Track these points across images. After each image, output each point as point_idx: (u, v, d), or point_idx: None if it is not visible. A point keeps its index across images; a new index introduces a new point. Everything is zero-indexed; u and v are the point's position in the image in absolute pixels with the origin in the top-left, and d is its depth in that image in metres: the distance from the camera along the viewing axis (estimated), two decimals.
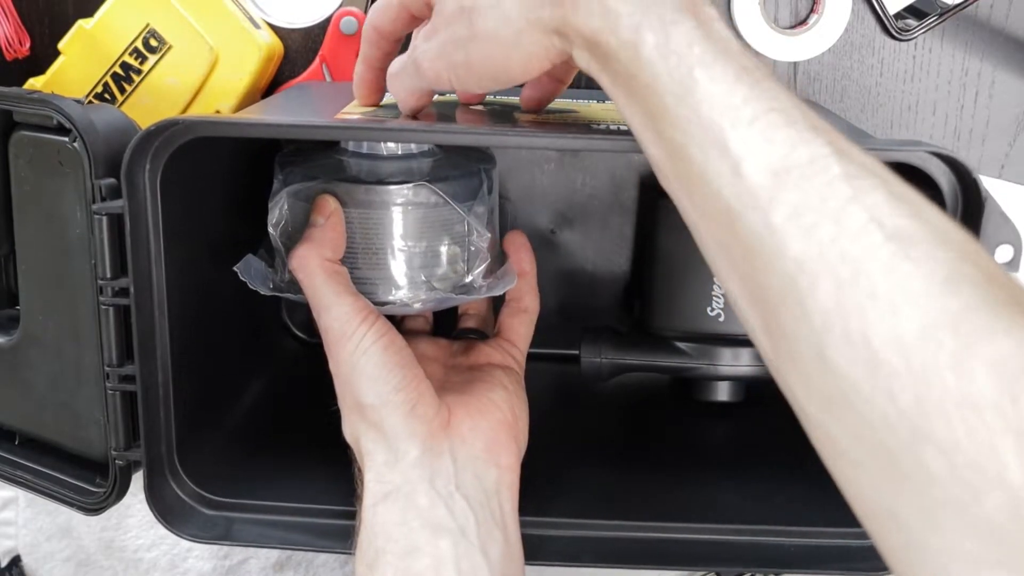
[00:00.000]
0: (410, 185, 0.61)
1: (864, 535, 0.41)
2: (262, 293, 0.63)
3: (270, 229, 0.63)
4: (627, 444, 0.71)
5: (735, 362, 0.69)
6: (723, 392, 0.72)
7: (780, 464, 0.62)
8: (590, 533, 0.62)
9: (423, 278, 0.62)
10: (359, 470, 0.58)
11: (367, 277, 0.62)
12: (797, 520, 0.60)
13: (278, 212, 0.63)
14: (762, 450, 0.59)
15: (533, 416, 0.63)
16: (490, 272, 0.65)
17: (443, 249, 0.62)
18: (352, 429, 0.58)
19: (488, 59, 0.51)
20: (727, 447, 0.70)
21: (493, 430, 0.59)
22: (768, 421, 0.63)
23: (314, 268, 0.58)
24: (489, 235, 0.64)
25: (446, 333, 0.70)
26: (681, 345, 0.70)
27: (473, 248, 0.63)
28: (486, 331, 0.70)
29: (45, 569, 0.88)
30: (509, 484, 0.58)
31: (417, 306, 0.62)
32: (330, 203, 0.60)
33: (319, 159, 0.64)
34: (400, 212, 0.61)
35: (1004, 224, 0.54)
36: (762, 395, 0.68)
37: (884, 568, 0.52)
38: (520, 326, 0.68)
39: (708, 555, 0.62)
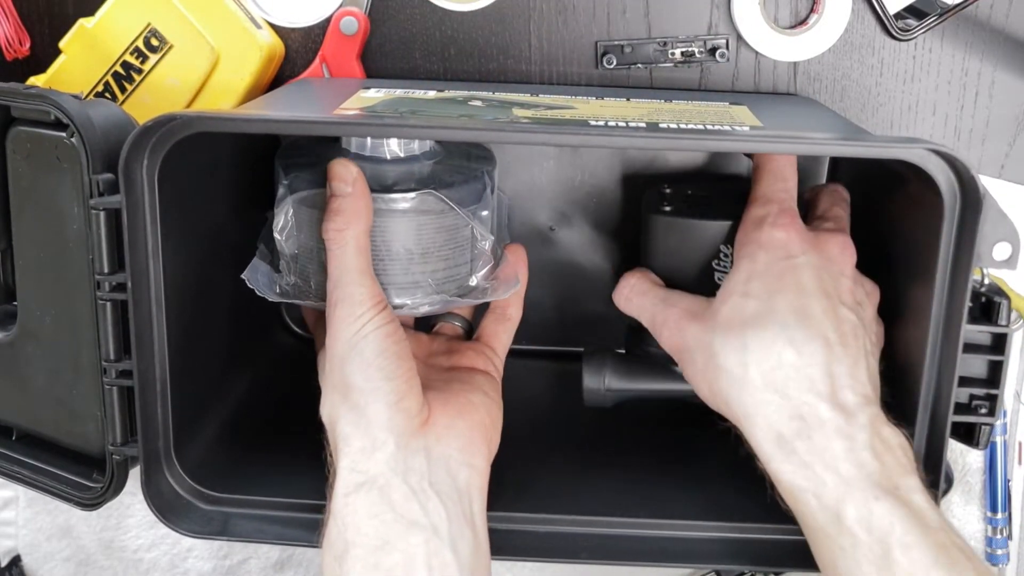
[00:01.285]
0: (416, 193, 0.61)
1: None
2: (269, 299, 0.63)
3: (275, 235, 0.63)
4: (625, 441, 0.71)
5: None
6: None
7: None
8: (590, 530, 0.62)
9: (429, 282, 0.62)
10: (331, 456, 0.58)
11: None
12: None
13: (283, 218, 0.63)
14: None
15: (530, 411, 0.63)
16: (492, 273, 0.66)
17: (448, 254, 0.63)
18: (331, 410, 0.58)
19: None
20: (727, 445, 0.69)
21: (470, 431, 0.59)
22: None
23: (349, 239, 0.58)
24: (492, 238, 0.64)
25: (427, 322, 0.70)
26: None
27: (477, 251, 0.64)
28: (472, 322, 0.70)
29: (45, 569, 0.88)
30: (479, 486, 0.58)
31: (423, 309, 0.63)
32: (351, 169, 0.59)
33: (322, 163, 0.64)
34: (406, 219, 0.61)
35: (1002, 221, 0.54)
36: None
37: None
38: (503, 333, 0.68)
39: (708, 552, 0.61)
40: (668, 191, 0.67)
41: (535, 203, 0.78)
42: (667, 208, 0.66)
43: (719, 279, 0.64)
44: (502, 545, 0.60)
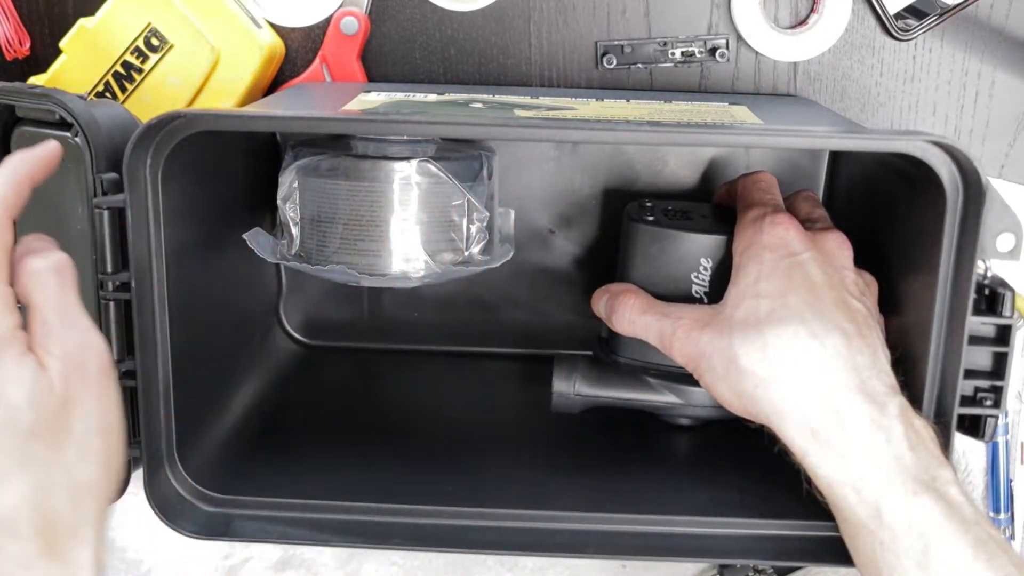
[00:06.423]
0: (414, 162, 0.64)
1: None
2: (269, 260, 0.66)
3: (279, 203, 0.66)
4: (628, 440, 0.70)
5: (708, 402, 0.66)
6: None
7: (781, 458, 0.62)
8: (595, 527, 0.61)
9: (423, 252, 0.64)
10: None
11: (369, 248, 0.64)
12: (799, 514, 0.60)
13: (287, 187, 0.65)
14: (762, 443, 0.59)
15: (529, 412, 0.63)
16: (486, 250, 0.68)
17: (443, 225, 0.65)
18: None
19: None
20: (728, 442, 0.69)
21: None
22: None
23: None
24: (488, 214, 0.66)
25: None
26: (654, 382, 0.68)
27: (472, 226, 0.66)
28: None
29: None
30: None
31: (416, 278, 0.65)
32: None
33: (330, 141, 0.67)
34: (403, 187, 0.63)
35: (1005, 213, 0.54)
36: None
37: None
38: None
39: (711, 548, 0.61)
40: (649, 204, 0.68)
41: (535, 205, 0.78)
42: (650, 218, 0.67)
43: (696, 292, 0.65)
44: (499, 541, 0.61)
